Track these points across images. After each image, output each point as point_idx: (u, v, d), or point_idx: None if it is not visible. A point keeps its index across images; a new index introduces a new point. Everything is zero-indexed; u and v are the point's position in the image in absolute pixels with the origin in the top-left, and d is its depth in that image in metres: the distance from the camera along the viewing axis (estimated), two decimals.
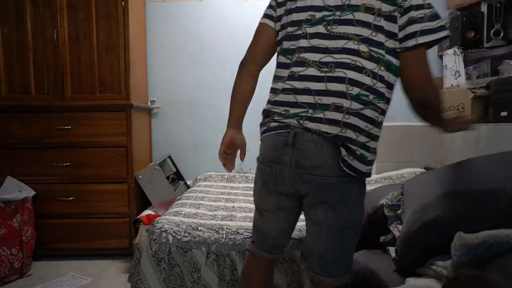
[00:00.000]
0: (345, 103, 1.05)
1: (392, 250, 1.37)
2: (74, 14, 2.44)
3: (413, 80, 1.09)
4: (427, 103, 1.09)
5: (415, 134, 2.92)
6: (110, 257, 2.48)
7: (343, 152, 1.05)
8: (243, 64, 1.28)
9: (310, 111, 1.08)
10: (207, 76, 2.98)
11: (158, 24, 2.96)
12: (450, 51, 2.66)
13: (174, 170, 2.90)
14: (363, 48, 1.05)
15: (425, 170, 2.58)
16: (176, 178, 2.88)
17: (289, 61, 1.16)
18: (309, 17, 1.12)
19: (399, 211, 1.39)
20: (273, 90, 1.21)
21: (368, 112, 1.06)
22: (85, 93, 2.47)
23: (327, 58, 1.08)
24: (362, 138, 1.06)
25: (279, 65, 1.20)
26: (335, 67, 1.06)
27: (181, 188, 2.80)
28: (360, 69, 1.05)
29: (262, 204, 1.24)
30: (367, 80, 1.05)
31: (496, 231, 0.92)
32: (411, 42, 1.04)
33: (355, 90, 1.05)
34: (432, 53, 2.94)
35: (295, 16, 1.14)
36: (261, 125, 1.23)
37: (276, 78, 1.21)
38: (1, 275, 2.10)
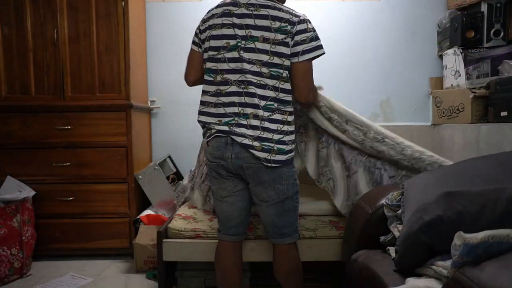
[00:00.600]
0: (259, 112, 1.39)
1: (392, 250, 1.37)
2: (74, 14, 2.44)
3: (298, 87, 1.46)
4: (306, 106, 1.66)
5: (415, 134, 2.92)
6: (110, 257, 2.48)
7: (262, 154, 1.39)
8: (186, 81, 1.72)
9: (236, 118, 1.41)
10: None
11: (158, 24, 2.95)
12: (450, 51, 2.67)
13: (174, 170, 2.90)
14: (264, 70, 1.39)
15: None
16: (176, 178, 2.88)
17: (212, 79, 1.47)
18: (225, 44, 1.42)
19: (399, 211, 1.39)
20: (203, 103, 1.51)
21: (276, 116, 1.42)
22: (85, 93, 2.47)
23: (242, 78, 1.41)
24: (276, 136, 1.41)
25: (206, 82, 1.50)
26: (248, 85, 1.40)
27: None
28: (264, 86, 1.40)
29: (221, 191, 1.53)
30: (270, 94, 1.41)
31: (496, 231, 0.92)
32: (295, 59, 1.41)
33: (262, 102, 1.40)
34: (432, 53, 2.95)
35: (214, 43, 1.44)
36: (204, 134, 1.53)
37: (204, 93, 1.51)
38: (1, 275, 2.10)
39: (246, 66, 1.39)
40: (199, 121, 1.53)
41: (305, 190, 1.95)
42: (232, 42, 1.41)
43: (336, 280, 1.93)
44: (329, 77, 2.97)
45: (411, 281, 1.14)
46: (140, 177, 2.49)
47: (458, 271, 0.92)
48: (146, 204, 2.61)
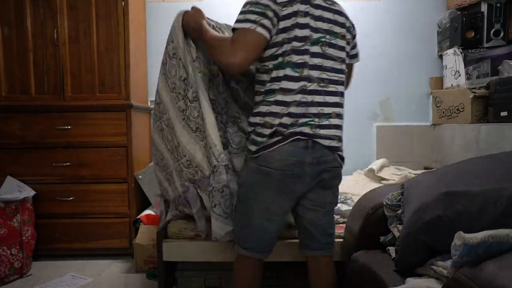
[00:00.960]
0: (342, 111, 1.38)
1: (392, 250, 1.37)
2: (74, 14, 2.44)
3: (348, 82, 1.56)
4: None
5: (415, 134, 2.93)
6: (110, 257, 2.48)
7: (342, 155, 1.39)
8: (237, 66, 1.26)
9: (316, 119, 1.28)
10: None
11: (158, 24, 2.95)
12: (450, 51, 2.67)
13: None
14: (343, 67, 1.37)
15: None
16: None
17: (298, 75, 1.26)
18: (309, 35, 1.26)
19: (399, 211, 1.39)
20: (283, 103, 1.26)
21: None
22: (85, 93, 2.47)
23: (323, 75, 1.30)
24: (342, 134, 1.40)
25: (288, 78, 1.26)
26: (329, 83, 1.31)
27: None
28: (342, 83, 1.37)
29: (274, 209, 1.33)
30: (343, 91, 1.40)
31: (496, 231, 0.92)
32: (355, 61, 1.56)
33: (342, 100, 1.38)
34: (432, 53, 2.95)
35: (299, 32, 1.25)
36: (272, 136, 1.28)
37: (285, 91, 1.26)
38: (1, 275, 2.10)
39: (328, 62, 1.30)
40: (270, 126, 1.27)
41: None
42: (315, 35, 1.26)
43: (336, 280, 1.92)
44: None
45: (411, 281, 1.14)
46: (140, 177, 2.49)
47: (458, 271, 0.92)
48: (146, 204, 2.61)
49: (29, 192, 2.32)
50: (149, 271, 2.22)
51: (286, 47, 1.25)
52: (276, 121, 1.26)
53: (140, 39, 2.80)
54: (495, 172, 1.18)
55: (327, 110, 1.30)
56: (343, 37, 1.34)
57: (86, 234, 2.46)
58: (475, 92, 2.37)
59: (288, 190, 1.30)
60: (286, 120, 1.25)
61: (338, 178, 1.41)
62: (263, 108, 1.29)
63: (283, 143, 1.25)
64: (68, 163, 2.44)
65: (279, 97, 1.26)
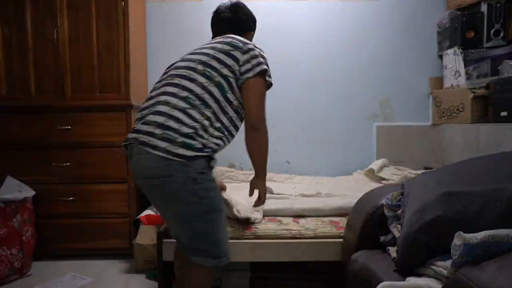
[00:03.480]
0: (173, 100, 1.33)
1: (392, 250, 1.37)
2: (74, 14, 2.44)
3: (244, 106, 1.47)
4: (248, 137, 1.59)
5: (415, 134, 2.93)
6: (110, 257, 2.48)
7: (163, 144, 1.28)
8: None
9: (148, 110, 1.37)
10: None
11: (158, 24, 2.95)
12: (450, 51, 2.67)
13: None
14: (200, 67, 1.40)
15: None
16: None
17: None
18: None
19: (399, 211, 1.39)
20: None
21: (194, 113, 1.32)
22: (85, 93, 2.47)
23: (171, 72, 1.45)
24: (185, 130, 1.29)
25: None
26: (175, 76, 1.41)
27: None
28: (192, 80, 1.37)
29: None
30: (197, 90, 1.36)
31: (496, 231, 0.92)
32: (249, 74, 1.43)
33: (184, 93, 1.35)
34: (432, 53, 2.95)
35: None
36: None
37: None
38: (1, 275, 2.10)
39: (183, 64, 1.47)
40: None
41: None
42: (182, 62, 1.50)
43: (336, 280, 1.93)
44: (329, 77, 2.97)
45: (411, 280, 1.14)
46: None
47: (458, 271, 0.92)
48: (146, 204, 2.61)
49: (29, 192, 2.32)
50: (149, 271, 2.22)
51: None
52: None
53: (140, 39, 2.80)
54: (495, 172, 1.18)
55: (161, 98, 1.38)
56: (212, 48, 1.46)
57: (86, 234, 2.46)
58: (475, 92, 2.37)
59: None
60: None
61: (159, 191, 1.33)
62: None
63: None
64: (68, 163, 2.44)
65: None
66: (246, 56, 1.43)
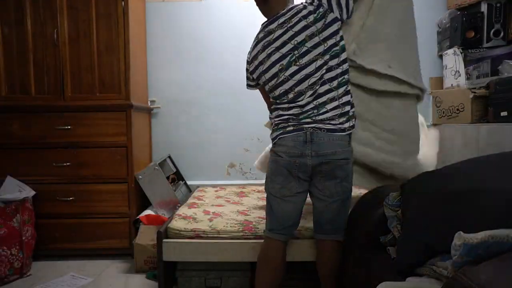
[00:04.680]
0: (335, 94, 1.50)
1: (392, 250, 1.37)
2: (74, 14, 2.44)
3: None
4: None
5: None
6: (110, 257, 2.48)
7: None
8: None
9: (315, 111, 1.48)
10: (207, 76, 2.98)
11: (158, 24, 2.96)
12: (450, 51, 2.67)
13: (174, 170, 2.90)
14: (326, 57, 1.50)
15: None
16: (176, 178, 2.88)
17: (285, 101, 1.56)
18: (280, 68, 1.51)
19: (399, 211, 1.39)
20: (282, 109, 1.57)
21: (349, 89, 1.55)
22: (85, 93, 2.47)
23: (312, 79, 1.49)
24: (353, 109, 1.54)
25: (279, 103, 1.58)
26: (320, 82, 1.50)
27: (181, 188, 2.80)
28: (330, 69, 1.50)
29: (284, 191, 1.53)
30: (338, 71, 1.51)
31: (496, 231, 0.92)
32: (349, 13, 1.53)
33: (334, 83, 1.51)
34: (432, 53, 2.95)
35: (267, 75, 1.56)
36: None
37: (282, 108, 1.57)
38: (1, 275, 2.10)
39: (309, 69, 1.48)
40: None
41: None
42: (285, 61, 1.50)
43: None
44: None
45: (411, 280, 1.14)
46: (140, 177, 2.49)
47: (458, 271, 0.92)
48: (146, 204, 2.61)
49: (29, 192, 2.32)
50: (149, 271, 2.22)
51: (267, 88, 1.59)
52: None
53: (140, 39, 2.80)
54: (495, 172, 1.17)
55: (321, 99, 1.49)
56: (311, 36, 1.46)
57: (86, 234, 2.46)
58: (475, 92, 2.37)
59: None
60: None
61: (341, 170, 1.50)
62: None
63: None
64: (68, 163, 2.44)
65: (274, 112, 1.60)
66: None
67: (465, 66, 2.53)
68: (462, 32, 2.52)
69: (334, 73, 1.49)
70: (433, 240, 1.14)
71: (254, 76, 1.63)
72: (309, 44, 1.47)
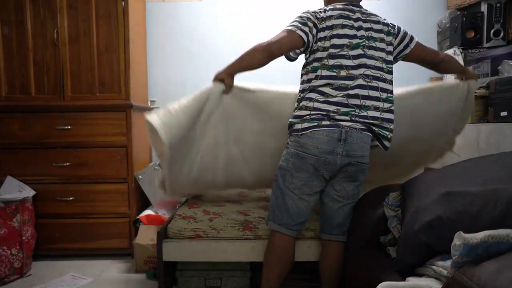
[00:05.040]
0: (381, 104, 1.51)
1: (392, 250, 1.37)
2: (74, 14, 2.44)
3: (428, 58, 1.76)
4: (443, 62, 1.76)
5: None
6: (110, 257, 2.48)
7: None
8: (272, 54, 1.59)
9: (357, 110, 1.47)
10: (207, 76, 2.94)
11: (158, 24, 2.95)
12: (450, 51, 2.66)
13: None
14: (384, 65, 1.55)
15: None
16: None
17: (335, 74, 1.50)
18: (348, 43, 1.51)
19: (399, 211, 1.39)
20: (323, 94, 1.50)
21: (393, 108, 1.55)
22: (85, 93, 2.47)
23: (368, 72, 1.51)
24: (392, 126, 1.54)
25: (326, 77, 1.50)
26: (373, 79, 1.51)
27: None
28: (384, 80, 1.54)
29: (305, 189, 1.53)
30: (390, 87, 1.56)
31: (496, 231, 0.92)
32: (408, 50, 1.67)
33: (382, 95, 1.52)
34: None
35: (336, 41, 1.51)
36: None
37: (327, 86, 1.50)
38: (1, 275, 2.10)
39: (371, 62, 1.51)
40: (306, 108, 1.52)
41: None
42: (355, 41, 1.51)
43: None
44: None
45: (411, 280, 1.14)
46: (140, 177, 2.49)
47: (458, 271, 0.92)
48: (146, 204, 2.61)
49: (29, 192, 2.32)
50: (149, 271, 2.22)
51: (322, 54, 1.52)
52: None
53: (140, 39, 2.80)
54: (495, 172, 1.18)
55: (368, 102, 1.48)
56: (382, 40, 1.56)
57: (86, 234, 2.46)
58: (475, 92, 2.37)
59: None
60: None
61: (363, 173, 1.54)
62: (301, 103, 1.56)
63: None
64: (68, 163, 2.44)
65: (313, 95, 1.51)
66: (400, 36, 1.65)
67: (465, 66, 2.52)
68: (462, 32, 2.52)
69: (386, 86, 1.55)
70: (433, 240, 1.14)
71: (320, 34, 1.53)
72: (378, 44, 1.54)
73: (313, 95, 1.51)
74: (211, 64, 2.97)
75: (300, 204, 1.54)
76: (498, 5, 2.45)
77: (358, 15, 1.56)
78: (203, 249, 1.81)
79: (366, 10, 1.62)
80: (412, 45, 1.66)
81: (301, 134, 1.48)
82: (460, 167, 1.34)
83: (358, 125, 1.46)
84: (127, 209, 2.47)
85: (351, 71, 1.49)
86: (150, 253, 2.21)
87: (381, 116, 1.50)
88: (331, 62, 1.50)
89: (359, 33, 1.52)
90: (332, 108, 1.46)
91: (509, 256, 0.89)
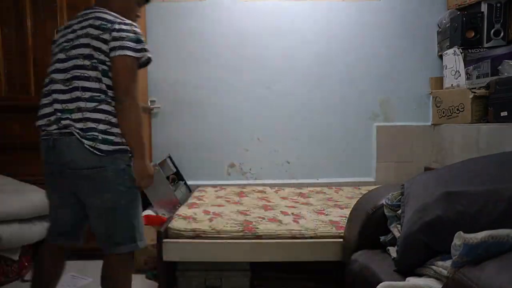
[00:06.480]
0: (84, 104, 1.39)
1: (392, 250, 1.37)
2: (74, 14, 2.39)
3: (114, 82, 1.41)
4: (118, 114, 1.41)
5: (415, 134, 2.93)
6: None
7: (88, 142, 1.37)
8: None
9: (59, 114, 1.45)
10: (207, 76, 2.98)
11: (158, 24, 2.95)
12: (450, 51, 2.67)
13: (174, 170, 2.90)
14: (86, 62, 1.40)
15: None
16: (176, 178, 2.88)
17: (47, 81, 1.52)
18: (57, 50, 1.49)
19: (399, 211, 1.39)
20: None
21: (104, 107, 1.39)
22: None
23: (67, 76, 1.42)
24: (102, 126, 1.38)
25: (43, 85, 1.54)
26: (73, 80, 1.41)
27: (181, 188, 2.80)
28: (87, 78, 1.40)
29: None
30: (95, 85, 1.39)
31: (496, 231, 0.92)
32: (112, 54, 1.39)
33: (87, 94, 1.39)
34: (432, 53, 2.95)
35: (53, 49, 1.52)
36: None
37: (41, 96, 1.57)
38: (1, 275, 2.10)
39: (70, 63, 1.42)
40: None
41: None
42: (61, 46, 1.47)
43: (336, 280, 1.93)
44: (330, 77, 2.97)
45: (411, 280, 1.14)
46: None
47: (458, 271, 0.92)
48: (146, 204, 2.60)
49: None
50: (149, 271, 2.22)
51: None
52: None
53: None
54: (495, 172, 1.18)
55: (71, 106, 1.41)
56: (87, 35, 1.41)
57: (86, 234, 2.45)
58: (475, 92, 2.37)
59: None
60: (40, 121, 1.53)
61: (88, 180, 1.40)
62: None
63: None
64: None
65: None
66: (114, 35, 1.39)
67: (465, 66, 2.52)
68: (462, 32, 2.52)
69: (90, 84, 1.42)
70: (433, 240, 1.14)
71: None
72: (82, 41, 1.45)
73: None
74: (211, 63, 2.98)
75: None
76: (498, 5, 2.45)
77: (75, 20, 1.50)
78: (203, 249, 1.81)
79: (92, 10, 1.50)
80: (116, 53, 1.39)
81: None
82: (460, 167, 1.34)
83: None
84: None
85: (53, 75, 1.47)
86: (150, 253, 2.21)
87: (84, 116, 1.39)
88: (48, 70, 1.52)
89: (62, 39, 1.48)
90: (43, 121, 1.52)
91: (509, 256, 0.89)
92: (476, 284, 0.84)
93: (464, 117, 2.45)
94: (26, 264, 2.24)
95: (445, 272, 1.04)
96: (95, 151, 1.36)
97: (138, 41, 1.42)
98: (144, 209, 2.55)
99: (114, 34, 1.39)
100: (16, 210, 2.08)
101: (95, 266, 2.34)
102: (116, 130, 1.40)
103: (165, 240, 1.82)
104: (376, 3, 2.94)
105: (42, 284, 1.56)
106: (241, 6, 2.94)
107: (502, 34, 2.46)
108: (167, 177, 2.68)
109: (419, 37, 2.96)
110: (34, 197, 2.21)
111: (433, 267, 1.11)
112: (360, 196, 1.80)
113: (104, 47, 1.40)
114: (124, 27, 1.41)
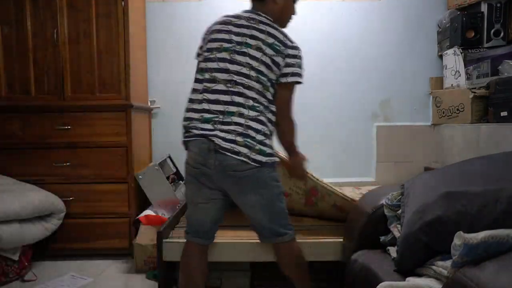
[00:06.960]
0: (246, 111, 1.43)
1: (392, 250, 1.37)
2: (74, 14, 2.44)
3: (277, 103, 1.53)
4: (278, 127, 1.55)
5: (415, 134, 2.93)
6: (110, 257, 2.48)
7: (244, 150, 1.39)
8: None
9: (221, 116, 1.43)
10: None
11: (158, 24, 2.95)
12: (450, 51, 2.67)
13: (174, 170, 2.90)
14: (253, 73, 1.45)
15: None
16: (176, 178, 2.88)
17: (201, 78, 1.53)
18: (218, 46, 1.50)
19: (399, 211, 1.39)
20: (189, 100, 1.57)
21: (263, 118, 1.45)
22: (85, 93, 2.47)
23: (230, 77, 1.46)
24: (259, 137, 1.42)
25: (195, 80, 1.57)
26: (235, 85, 1.44)
27: (181, 188, 2.80)
28: (251, 88, 1.44)
29: (195, 198, 1.55)
30: (257, 96, 1.45)
31: (496, 231, 0.92)
32: (283, 80, 1.50)
33: (250, 103, 1.44)
34: (432, 53, 2.95)
35: (209, 45, 1.53)
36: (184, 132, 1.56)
37: (192, 91, 1.57)
38: (1, 275, 2.10)
39: (235, 67, 1.46)
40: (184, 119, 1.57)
41: None
42: (226, 45, 1.49)
43: (336, 280, 1.93)
44: (330, 77, 2.97)
45: (411, 280, 1.14)
46: (140, 177, 2.49)
47: (458, 271, 0.92)
48: (146, 204, 2.61)
49: None
50: (149, 271, 2.22)
51: (199, 58, 1.59)
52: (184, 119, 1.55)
53: (140, 39, 2.80)
54: (495, 172, 1.18)
55: (232, 108, 1.43)
56: (258, 49, 1.47)
57: (86, 234, 2.46)
58: (475, 92, 2.37)
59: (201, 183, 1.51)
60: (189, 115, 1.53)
61: (250, 180, 1.43)
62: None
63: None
64: (68, 163, 2.44)
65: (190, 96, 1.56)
66: (288, 61, 1.50)
67: (465, 66, 2.52)
68: (462, 32, 2.52)
69: (252, 94, 1.49)
70: (433, 240, 1.14)
71: (202, 43, 1.64)
72: (250, 52, 1.49)
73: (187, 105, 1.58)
74: None
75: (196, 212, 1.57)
76: (498, 5, 2.45)
77: (243, 21, 1.53)
78: None
79: (261, 18, 1.53)
80: (285, 80, 1.51)
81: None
82: (460, 167, 1.34)
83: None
84: (127, 209, 2.47)
85: (213, 74, 1.48)
86: (150, 253, 2.21)
87: (245, 123, 1.43)
88: (201, 65, 1.54)
89: (234, 38, 1.49)
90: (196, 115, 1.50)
91: (509, 256, 0.89)
92: (476, 284, 0.84)
93: (464, 117, 2.45)
94: (26, 264, 2.24)
95: (445, 272, 1.04)
96: (249, 161, 1.40)
97: (302, 66, 1.55)
98: (144, 209, 2.55)
99: (288, 60, 1.49)
100: (16, 210, 2.07)
101: (95, 266, 2.35)
102: (269, 142, 1.49)
103: (165, 240, 1.82)
104: (376, 3, 2.94)
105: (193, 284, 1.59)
106: (240, 6, 2.93)
107: (502, 34, 2.46)
108: (167, 177, 2.68)
109: (419, 37, 2.96)
110: (34, 197, 2.21)
111: (433, 267, 1.11)
112: (360, 196, 1.80)
113: (274, 68, 1.48)
114: (295, 52, 1.52)
